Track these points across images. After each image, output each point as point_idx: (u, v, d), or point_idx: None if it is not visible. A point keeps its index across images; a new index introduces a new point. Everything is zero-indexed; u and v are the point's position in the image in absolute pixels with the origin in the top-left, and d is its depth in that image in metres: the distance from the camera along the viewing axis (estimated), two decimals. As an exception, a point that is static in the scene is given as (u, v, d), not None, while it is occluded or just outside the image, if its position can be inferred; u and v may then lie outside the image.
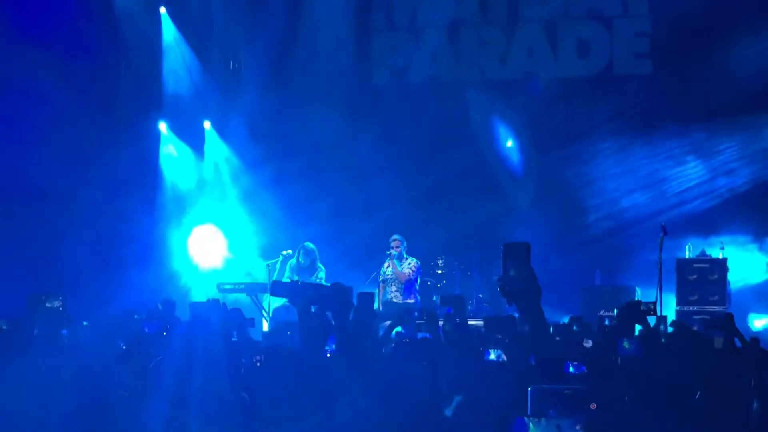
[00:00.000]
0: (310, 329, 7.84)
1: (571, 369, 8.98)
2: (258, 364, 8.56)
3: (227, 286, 15.73)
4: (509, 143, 18.11)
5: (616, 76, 17.88)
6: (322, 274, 15.55)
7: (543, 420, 6.61)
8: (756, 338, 8.65)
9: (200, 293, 16.76)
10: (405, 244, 15.63)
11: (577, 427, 6.75)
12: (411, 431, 7.54)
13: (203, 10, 18.38)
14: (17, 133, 16.65)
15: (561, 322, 11.11)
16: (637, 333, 9.20)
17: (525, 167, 18.04)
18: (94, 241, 17.19)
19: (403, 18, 18.82)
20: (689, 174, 17.34)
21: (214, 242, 18.36)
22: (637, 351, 8.40)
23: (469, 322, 11.14)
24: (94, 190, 17.40)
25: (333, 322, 7.61)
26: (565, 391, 7.30)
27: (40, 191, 16.88)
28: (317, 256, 15.68)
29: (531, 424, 6.68)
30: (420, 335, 9.69)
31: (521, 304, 5.42)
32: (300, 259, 15.63)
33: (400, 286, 15.50)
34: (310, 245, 15.70)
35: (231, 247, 18.34)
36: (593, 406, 7.31)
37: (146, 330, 9.14)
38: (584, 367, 8.92)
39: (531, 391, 6.99)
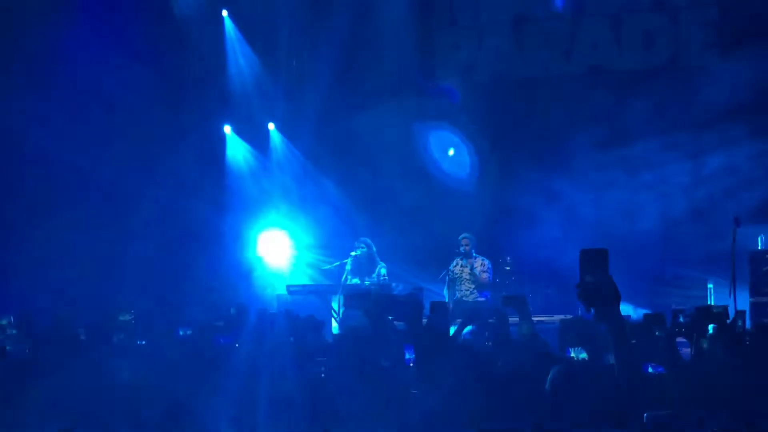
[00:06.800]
0: (386, 339, 7.87)
1: (650, 369, 8.93)
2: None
3: (296, 288, 15.76)
4: None
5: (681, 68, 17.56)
6: (383, 270, 15.44)
7: None
8: None
9: (270, 296, 16.84)
10: (474, 242, 15.52)
11: None
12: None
13: (265, 11, 18.44)
14: (84, 134, 16.80)
15: (630, 317, 10.96)
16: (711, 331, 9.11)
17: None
18: (160, 241, 17.31)
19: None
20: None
21: (281, 244, 18.40)
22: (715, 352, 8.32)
23: (537, 319, 11.10)
24: (160, 191, 17.51)
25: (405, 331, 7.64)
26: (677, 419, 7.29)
27: (106, 191, 17.08)
28: (374, 251, 15.60)
29: None
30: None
31: (600, 310, 5.33)
32: (357, 253, 15.56)
33: (473, 285, 15.36)
34: (366, 239, 15.64)
35: (296, 249, 18.36)
36: None
37: (221, 341, 9.27)
38: (662, 368, 8.88)
39: (647, 416, 6.98)
